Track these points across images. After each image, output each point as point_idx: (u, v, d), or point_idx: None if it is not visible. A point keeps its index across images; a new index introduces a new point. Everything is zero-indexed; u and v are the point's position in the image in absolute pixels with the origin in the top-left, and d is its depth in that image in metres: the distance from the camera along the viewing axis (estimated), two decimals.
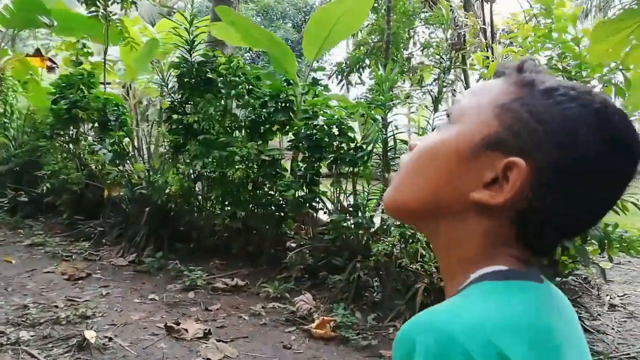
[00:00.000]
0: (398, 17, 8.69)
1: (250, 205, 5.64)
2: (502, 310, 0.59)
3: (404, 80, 10.20)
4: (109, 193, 6.14)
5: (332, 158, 5.00)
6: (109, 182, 6.17)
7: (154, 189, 5.77)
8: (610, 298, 5.46)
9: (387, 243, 4.23)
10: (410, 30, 10.01)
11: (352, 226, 4.76)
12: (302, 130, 5.23)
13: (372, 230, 4.69)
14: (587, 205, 0.65)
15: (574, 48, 3.97)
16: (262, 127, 5.68)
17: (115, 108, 6.54)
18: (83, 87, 7.02)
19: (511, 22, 8.19)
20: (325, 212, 5.40)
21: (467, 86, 7.08)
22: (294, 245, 5.75)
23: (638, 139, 0.63)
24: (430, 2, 7.17)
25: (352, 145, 4.95)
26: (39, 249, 6.04)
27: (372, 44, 9.94)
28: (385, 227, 4.50)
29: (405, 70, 9.52)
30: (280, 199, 5.49)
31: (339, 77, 10.31)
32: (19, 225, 7.01)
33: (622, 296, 5.63)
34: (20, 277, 5.07)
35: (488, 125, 0.66)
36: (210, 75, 5.75)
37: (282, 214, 5.55)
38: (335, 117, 4.90)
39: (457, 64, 5.90)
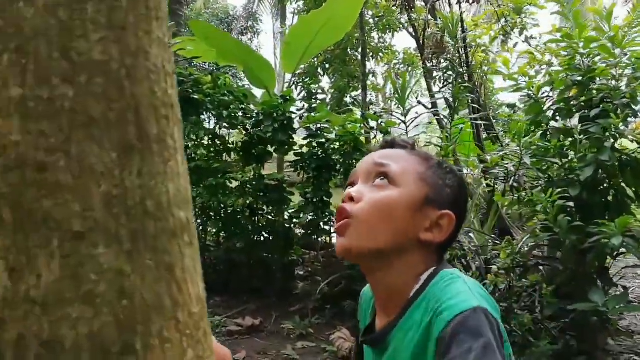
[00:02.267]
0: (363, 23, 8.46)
1: (252, 235, 5.17)
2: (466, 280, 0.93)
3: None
4: None
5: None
6: None
7: None
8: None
9: None
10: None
11: None
12: (308, 149, 4.85)
13: None
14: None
15: (608, 46, 3.81)
16: (255, 149, 5.24)
17: None
18: None
19: (470, 23, 8.14)
20: None
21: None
22: (301, 273, 5.36)
23: None
24: (407, 8, 6.96)
25: None
26: None
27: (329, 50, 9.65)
28: None
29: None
30: (286, 225, 5.07)
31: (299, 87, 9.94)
32: None
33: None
34: None
35: (421, 188, 0.99)
36: (195, 96, 5.24)
37: (288, 241, 5.12)
38: (350, 133, 4.55)
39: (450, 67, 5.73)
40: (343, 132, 4.59)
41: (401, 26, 10.01)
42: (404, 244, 0.96)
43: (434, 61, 6.89)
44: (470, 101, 6.63)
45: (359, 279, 4.61)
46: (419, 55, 9.19)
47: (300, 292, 4.84)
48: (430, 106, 7.96)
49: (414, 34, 9.23)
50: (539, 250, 4.52)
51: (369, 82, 10.38)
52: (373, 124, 4.85)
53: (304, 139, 4.98)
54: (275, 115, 5.07)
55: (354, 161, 4.66)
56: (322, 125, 4.90)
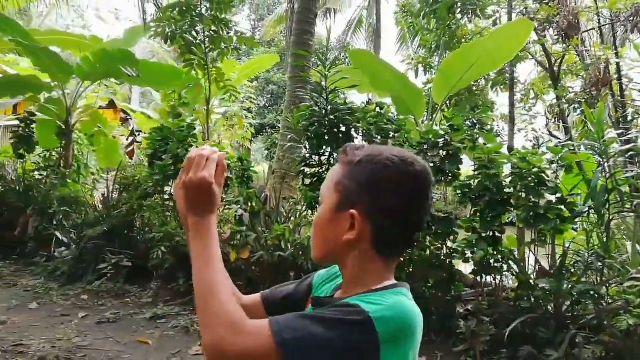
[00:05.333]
0: None
1: (410, 267, 5.00)
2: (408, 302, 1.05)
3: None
4: (238, 256, 5.50)
5: (529, 213, 4.37)
6: (236, 243, 5.54)
7: (298, 251, 5.17)
8: None
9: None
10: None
11: (574, 294, 4.10)
12: (480, 181, 4.65)
13: (608, 301, 4.04)
14: (405, 222, 1.10)
15: None
16: None
17: (239, 163, 5.96)
18: (190, 140, 6.49)
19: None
20: (513, 275, 4.76)
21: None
22: (460, 311, 5.11)
23: (426, 178, 1.12)
24: (563, 37, 6.68)
25: (554, 198, 4.34)
26: (165, 323, 5.38)
27: None
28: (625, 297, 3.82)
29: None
30: (449, 260, 4.87)
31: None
32: (122, 293, 6.37)
33: None
34: None
35: (333, 197, 1.13)
36: (358, 125, 5.20)
37: (451, 276, 4.90)
38: (533, 166, 4.31)
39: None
40: (524, 165, 4.35)
41: (530, 56, 9.69)
42: (336, 247, 1.12)
43: (593, 93, 6.50)
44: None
45: (541, 323, 4.33)
46: (552, 85, 8.86)
47: (466, 332, 4.58)
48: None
49: (547, 64, 8.92)
50: None
51: (497, 113, 10.08)
52: (549, 156, 4.57)
53: (475, 170, 4.77)
54: (441, 144, 4.93)
55: (535, 197, 4.39)
56: (493, 156, 4.68)
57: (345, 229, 1.08)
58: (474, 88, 9.92)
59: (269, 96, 25.83)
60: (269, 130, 23.37)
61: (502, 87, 10.59)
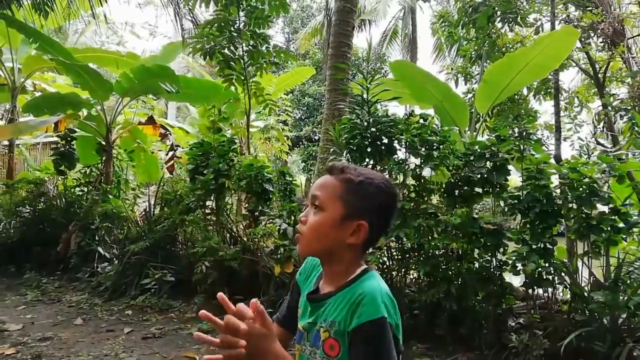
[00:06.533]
0: None
1: (459, 280, 4.91)
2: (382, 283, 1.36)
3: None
4: (282, 270, 5.49)
5: (581, 224, 4.26)
6: (279, 257, 5.53)
7: None
8: None
9: None
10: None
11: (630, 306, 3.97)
12: (529, 192, 4.55)
13: None
14: (386, 228, 1.50)
15: None
16: (459, 190, 5.03)
17: (281, 176, 5.97)
18: (231, 155, 6.53)
19: None
20: (565, 287, 4.63)
21: None
22: (512, 324, 4.98)
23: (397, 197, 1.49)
24: (609, 44, 6.55)
25: (606, 208, 4.22)
26: None
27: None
28: None
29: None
30: (498, 272, 4.77)
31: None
32: (166, 308, 6.40)
33: None
34: None
35: (338, 208, 1.39)
36: (401, 137, 5.15)
37: (502, 289, 4.79)
38: (584, 176, 4.20)
39: None
40: (575, 175, 4.24)
41: (573, 64, 9.50)
42: (335, 247, 1.40)
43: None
44: None
45: (596, 336, 4.19)
46: (597, 93, 8.67)
47: (518, 346, 4.46)
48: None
49: (592, 71, 8.74)
50: None
51: (540, 122, 9.89)
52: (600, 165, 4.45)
53: (523, 181, 4.67)
54: (488, 155, 4.85)
55: (587, 208, 4.27)
56: (542, 166, 4.58)
57: (348, 235, 1.38)
58: (516, 96, 9.77)
59: (305, 108, 25.93)
60: (305, 143, 23.46)
61: (544, 95, 10.40)
